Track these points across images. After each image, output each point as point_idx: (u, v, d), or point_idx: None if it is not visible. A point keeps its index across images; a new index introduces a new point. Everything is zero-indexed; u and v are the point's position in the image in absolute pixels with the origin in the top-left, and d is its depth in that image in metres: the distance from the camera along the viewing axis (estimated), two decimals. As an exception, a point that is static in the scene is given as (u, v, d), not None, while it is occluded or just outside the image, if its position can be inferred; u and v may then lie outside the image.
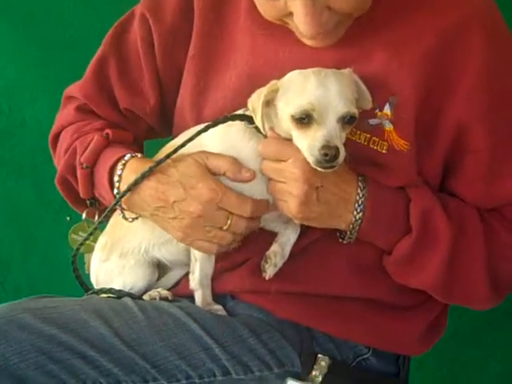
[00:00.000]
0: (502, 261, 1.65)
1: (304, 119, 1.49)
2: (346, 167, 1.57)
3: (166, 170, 1.62)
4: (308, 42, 1.60)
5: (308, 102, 1.49)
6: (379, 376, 1.73)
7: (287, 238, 1.67)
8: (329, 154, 1.47)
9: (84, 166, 1.75)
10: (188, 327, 1.59)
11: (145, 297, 1.71)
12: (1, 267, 2.73)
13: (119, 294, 1.69)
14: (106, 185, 1.71)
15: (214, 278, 1.69)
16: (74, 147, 1.79)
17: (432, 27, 1.59)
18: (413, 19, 1.61)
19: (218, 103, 1.70)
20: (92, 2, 2.54)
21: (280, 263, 1.66)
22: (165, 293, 1.71)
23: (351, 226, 1.61)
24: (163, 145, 1.73)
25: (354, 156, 1.55)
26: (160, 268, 1.76)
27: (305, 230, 1.66)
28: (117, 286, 1.72)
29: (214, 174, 1.60)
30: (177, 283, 1.78)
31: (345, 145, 1.51)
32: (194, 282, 1.68)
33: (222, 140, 1.62)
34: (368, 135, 1.60)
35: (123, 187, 1.65)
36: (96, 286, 1.78)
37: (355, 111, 1.52)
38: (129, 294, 1.69)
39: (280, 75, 1.57)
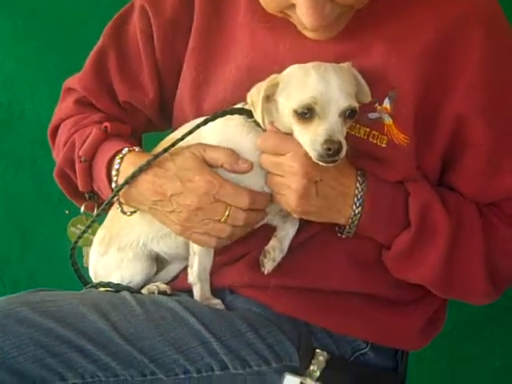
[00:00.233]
0: (500, 255, 1.65)
1: (306, 114, 1.49)
2: (345, 161, 1.57)
3: (164, 163, 1.62)
4: (309, 35, 1.60)
5: (310, 97, 1.49)
6: (377, 371, 1.73)
7: (286, 233, 1.66)
8: (332, 149, 1.47)
9: (82, 159, 1.74)
10: (186, 321, 1.59)
11: (143, 290, 1.71)
12: (-1, 261, 2.74)
13: (117, 288, 1.69)
14: (104, 179, 1.71)
15: (212, 272, 1.69)
16: (73, 140, 1.79)
17: (432, 22, 1.59)
18: (413, 13, 1.61)
19: (218, 96, 1.70)
20: (91, -6, 2.54)
21: (279, 258, 1.66)
22: (163, 287, 1.71)
23: (350, 221, 1.60)
24: (162, 138, 1.73)
25: (354, 150, 1.55)
26: (159, 262, 1.76)
27: (304, 225, 1.66)
28: (115, 280, 1.72)
29: (211, 166, 1.59)
30: (175, 277, 1.78)
31: (345, 139, 1.51)
32: (192, 276, 1.68)
33: (221, 134, 1.62)
34: (367, 129, 1.60)
35: (121, 181, 1.65)
36: (94, 280, 1.78)
37: (356, 105, 1.52)
38: (127, 288, 1.69)
39: (280, 68, 1.56)
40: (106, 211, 1.76)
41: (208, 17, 1.73)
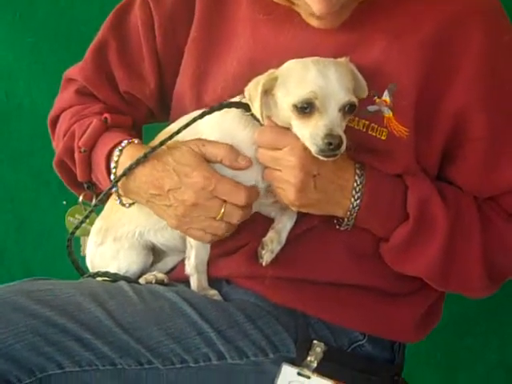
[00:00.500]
0: (498, 250, 1.66)
1: (306, 108, 1.49)
2: (343, 154, 1.57)
3: (162, 157, 1.62)
4: (314, 23, 1.60)
5: (310, 91, 1.49)
6: (374, 362, 1.73)
7: (284, 225, 1.66)
8: (333, 143, 1.47)
9: (82, 150, 1.75)
10: (183, 311, 1.59)
11: (141, 280, 1.71)
12: (-4, 251, 2.73)
13: (115, 278, 1.69)
14: (103, 170, 1.71)
15: (209, 263, 1.69)
16: (73, 130, 1.79)
17: (432, 15, 1.60)
18: (413, 7, 1.62)
19: (218, 87, 1.70)
20: (90, -14, 2.53)
21: (277, 249, 1.66)
22: (161, 276, 1.71)
23: (349, 213, 1.61)
24: (161, 130, 1.72)
25: (353, 143, 1.55)
26: (156, 253, 1.76)
27: (302, 217, 1.66)
28: (112, 270, 1.72)
29: (210, 161, 1.59)
30: (173, 268, 1.78)
31: (344, 132, 1.51)
32: (189, 267, 1.68)
33: (218, 127, 1.62)
34: (367, 122, 1.60)
35: (120, 173, 1.65)
36: (92, 270, 1.78)
37: (355, 100, 1.52)
38: (124, 278, 1.69)
39: (282, 60, 1.56)
40: (103, 202, 1.76)
41: (209, 8, 1.73)
